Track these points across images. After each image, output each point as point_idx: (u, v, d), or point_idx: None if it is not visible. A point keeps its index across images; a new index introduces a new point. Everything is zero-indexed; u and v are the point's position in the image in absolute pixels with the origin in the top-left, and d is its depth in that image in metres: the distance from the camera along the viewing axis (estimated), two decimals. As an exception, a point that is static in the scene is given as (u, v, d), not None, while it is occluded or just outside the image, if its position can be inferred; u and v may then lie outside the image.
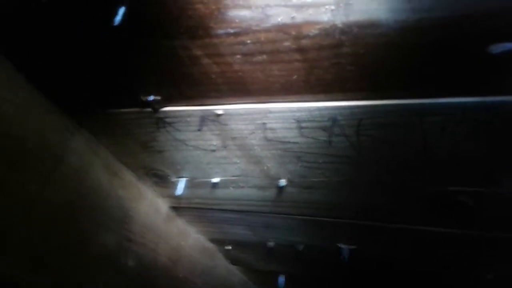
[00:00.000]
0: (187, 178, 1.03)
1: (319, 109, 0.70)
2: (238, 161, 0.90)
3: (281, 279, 1.67)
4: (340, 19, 0.52)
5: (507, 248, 1.00)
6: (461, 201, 0.85)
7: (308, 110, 0.70)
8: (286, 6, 0.52)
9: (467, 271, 1.22)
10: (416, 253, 1.18)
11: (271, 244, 1.35)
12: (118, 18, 0.58)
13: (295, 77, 0.64)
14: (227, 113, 0.76)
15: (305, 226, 1.16)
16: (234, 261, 1.69)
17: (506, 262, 1.09)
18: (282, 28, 0.56)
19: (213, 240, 1.49)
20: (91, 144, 0.94)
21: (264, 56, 0.61)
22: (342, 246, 1.20)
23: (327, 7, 0.51)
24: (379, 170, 0.82)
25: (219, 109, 0.75)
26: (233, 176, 0.96)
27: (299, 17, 0.53)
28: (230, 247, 1.49)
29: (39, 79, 0.77)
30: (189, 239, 1.37)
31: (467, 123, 0.65)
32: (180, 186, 1.04)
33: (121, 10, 0.58)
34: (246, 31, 0.57)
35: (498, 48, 0.52)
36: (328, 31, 0.54)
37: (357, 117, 0.69)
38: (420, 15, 0.50)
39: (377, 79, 0.61)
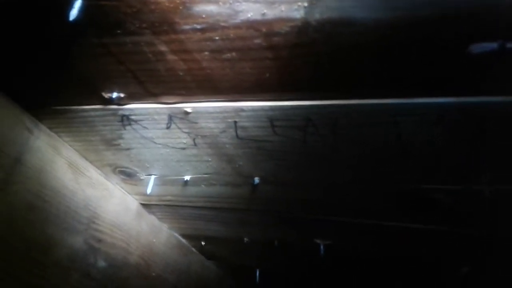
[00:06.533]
0: (156, 176, 0.99)
1: (293, 108, 0.67)
2: (209, 159, 0.87)
3: (258, 274, 1.66)
4: (313, 17, 0.49)
5: (481, 243, 1.01)
6: (434, 198, 0.84)
7: (282, 109, 0.67)
8: (256, 2, 0.49)
9: (442, 265, 1.23)
10: (390, 248, 1.18)
11: (246, 239, 1.33)
12: (74, 12, 0.53)
13: (267, 75, 0.60)
14: (196, 111, 0.72)
15: (280, 222, 1.14)
16: (209, 256, 1.67)
17: (480, 257, 1.11)
18: (252, 25, 0.52)
19: (186, 236, 1.46)
20: (54, 142, 0.88)
21: (234, 54, 0.57)
22: (318, 241, 1.19)
23: (299, 4, 0.48)
24: (354, 168, 0.80)
25: (187, 107, 0.71)
26: (205, 174, 0.93)
27: (270, 13, 0.50)
28: (204, 243, 1.46)
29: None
30: (161, 236, 1.33)
31: (442, 124, 0.63)
32: (150, 184, 1.00)
33: (77, 3, 0.53)
34: (214, 27, 0.53)
35: (478, 48, 0.50)
36: (300, 29, 0.51)
37: (332, 116, 0.67)
38: (397, 13, 0.47)
39: (352, 78, 0.59)
